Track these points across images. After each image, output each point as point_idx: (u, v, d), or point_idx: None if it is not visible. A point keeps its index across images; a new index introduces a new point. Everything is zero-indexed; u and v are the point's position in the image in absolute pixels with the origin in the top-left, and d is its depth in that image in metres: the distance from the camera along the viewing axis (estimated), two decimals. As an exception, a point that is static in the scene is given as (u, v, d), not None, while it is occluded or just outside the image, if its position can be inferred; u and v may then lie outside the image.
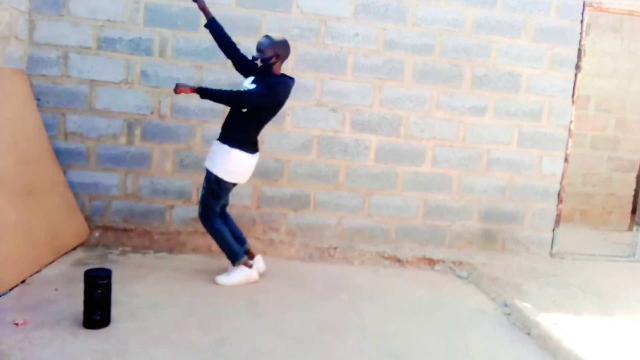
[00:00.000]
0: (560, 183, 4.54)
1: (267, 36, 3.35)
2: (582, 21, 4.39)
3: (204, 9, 3.38)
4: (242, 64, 3.48)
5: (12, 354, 2.25)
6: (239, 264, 3.43)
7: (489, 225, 4.49)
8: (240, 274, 3.42)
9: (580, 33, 4.41)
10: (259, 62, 3.32)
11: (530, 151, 4.49)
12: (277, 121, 4.11)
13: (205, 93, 3.20)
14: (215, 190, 3.34)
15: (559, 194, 4.54)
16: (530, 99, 4.44)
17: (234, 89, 3.41)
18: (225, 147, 3.30)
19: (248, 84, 3.36)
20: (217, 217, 3.43)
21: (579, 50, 4.43)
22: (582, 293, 3.60)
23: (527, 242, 4.54)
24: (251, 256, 3.57)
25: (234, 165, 3.32)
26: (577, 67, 4.45)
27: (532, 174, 4.51)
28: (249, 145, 3.37)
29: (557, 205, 4.55)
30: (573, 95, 4.48)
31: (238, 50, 3.47)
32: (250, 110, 3.31)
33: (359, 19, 4.20)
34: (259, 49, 3.31)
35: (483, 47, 4.34)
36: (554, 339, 2.79)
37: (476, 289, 3.76)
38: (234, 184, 3.43)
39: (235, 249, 3.43)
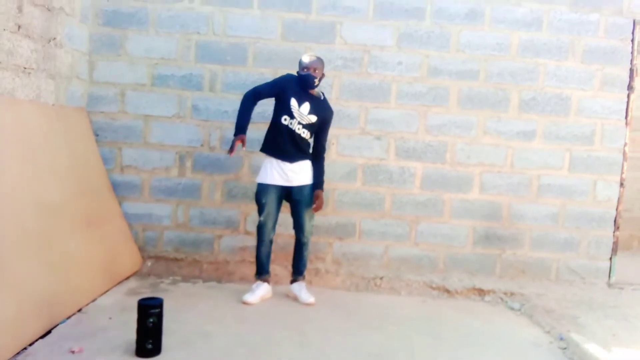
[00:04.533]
0: (616, 209, 4.35)
1: (316, 56, 3.56)
2: (632, 40, 4.26)
3: (243, 140, 3.44)
4: (266, 95, 3.60)
5: (69, 382, 2.34)
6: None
7: (541, 253, 4.35)
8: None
9: (632, 52, 4.27)
10: (317, 82, 3.49)
11: (583, 176, 4.34)
12: (322, 151, 4.21)
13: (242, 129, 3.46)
14: None
15: (615, 220, 4.35)
16: (581, 121, 4.32)
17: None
18: (308, 162, 3.61)
19: (306, 112, 3.51)
20: None
21: (631, 70, 4.29)
22: (644, 326, 3.41)
23: (583, 271, 4.35)
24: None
25: None
26: (630, 87, 4.31)
27: (586, 200, 4.35)
28: None
29: (614, 232, 4.36)
30: (627, 117, 4.33)
31: (255, 98, 3.57)
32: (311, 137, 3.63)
33: (401, 48, 4.24)
34: (314, 68, 3.46)
35: (530, 70, 4.27)
36: (615, 375, 2.65)
37: (529, 320, 3.62)
38: None
39: None
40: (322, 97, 3.62)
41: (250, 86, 4.15)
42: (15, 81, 3.14)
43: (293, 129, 3.50)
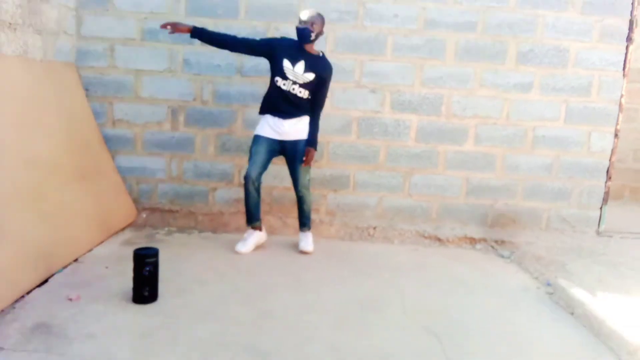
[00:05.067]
0: (610, 159, 4.37)
1: (316, 12, 3.46)
2: (633, -10, 4.18)
3: (180, 30, 3.43)
4: (254, 47, 3.55)
5: (67, 327, 2.39)
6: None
7: (533, 203, 4.39)
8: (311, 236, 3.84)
9: (632, 3, 4.19)
10: (313, 36, 3.42)
11: (579, 127, 4.34)
12: (315, 103, 4.17)
13: (199, 34, 3.45)
14: None
15: (607, 171, 4.38)
16: (579, 73, 4.28)
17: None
18: (305, 118, 3.60)
19: (301, 71, 3.46)
20: None
21: (631, 21, 4.22)
22: (631, 272, 3.47)
23: (574, 220, 4.41)
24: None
25: None
26: (629, 39, 4.25)
27: (580, 151, 4.36)
28: None
29: (606, 182, 4.39)
30: (624, 69, 4.29)
31: (239, 40, 3.52)
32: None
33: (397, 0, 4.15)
34: (311, 23, 3.39)
35: (528, 22, 4.20)
36: (598, 319, 2.72)
37: (518, 267, 3.70)
38: None
39: None
40: (320, 55, 3.57)
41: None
42: (1, 37, 3.09)
43: (287, 89, 3.48)
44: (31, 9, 3.41)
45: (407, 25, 4.19)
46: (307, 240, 3.76)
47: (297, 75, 3.47)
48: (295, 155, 3.59)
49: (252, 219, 3.69)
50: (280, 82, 3.48)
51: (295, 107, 3.53)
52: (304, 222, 3.78)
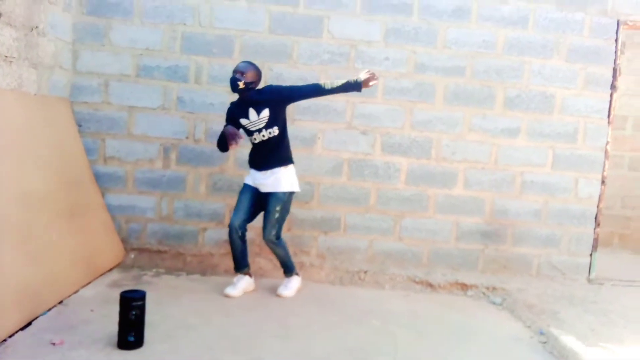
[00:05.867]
0: (597, 206, 4.42)
1: (248, 62, 3.56)
2: (616, 40, 4.32)
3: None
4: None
5: (50, 374, 2.32)
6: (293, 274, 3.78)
7: (523, 249, 4.40)
8: (296, 282, 3.77)
9: (615, 52, 4.33)
10: (242, 85, 3.44)
11: (566, 173, 4.40)
12: (307, 144, 4.21)
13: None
14: (289, 207, 3.64)
15: (596, 217, 4.42)
16: (565, 120, 4.37)
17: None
18: (283, 168, 3.57)
19: (256, 117, 3.49)
20: None
21: (614, 69, 4.35)
22: (623, 321, 3.47)
23: (564, 267, 4.41)
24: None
25: (294, 176, 3.65)
26: (613, 86, 4.37)
27: (568, 197, 4.41)
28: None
29: (595, 229, 4.43)
30: (609, 116, 4.39)
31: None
32: (284, 129, 3.59)
33: (389, 43, 4.24)
34: (240, 72, 3.45)
35: (515, 68, 4.31)
36: (593, 369, 2.70)
37: (511, 315, 3.67)
38: None
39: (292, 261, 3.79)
40: (258, 88, 3.58)
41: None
42: (-4, 69, 3.08)
43: (259, 140, 3.54)
44: (28, 43, 3.42)
45: (398, 68, 4.27)
46: (286, 285, 3.72)
47: (254, 124, 3.51)
48: (267, 208, 3.57)
49: (240, 266, 3.67)
50: (251, 138, 3.57)
51: (270, 155, 3.54)
52: (284, 268, 3.77)
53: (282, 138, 3.57)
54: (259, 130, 3.51)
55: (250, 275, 3.72)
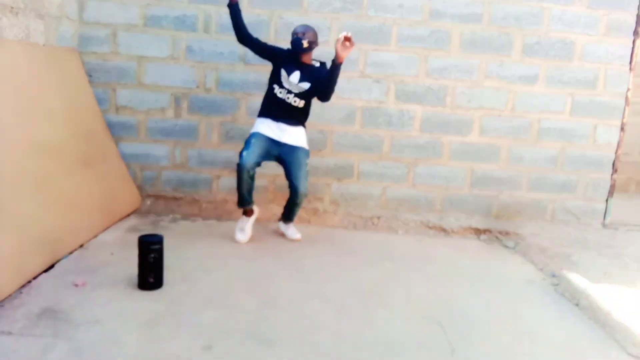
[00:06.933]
0: (616, 152, 4.36)
1: (309, 25, 3.53)
2: (640, -16, 4.15)
3: None
4: (262, 47, 3.55)
5: (73, 313, 2.38)
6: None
7: (538, 195, 4.38)
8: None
9: (639, -2, 4.17)
10: (305, 44, 3.42)
11: (584, 120, 4.32)
12: (320, 92, 4.14)
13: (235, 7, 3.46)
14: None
15: (613, 164, 4.37)
16: (585, 66, 4.26)
17: None
18: (301, 127, 3.61)
19: (296, 81, 3.46)
20: None
21: (638, 15, 4.21)
22: (636, 264, 3.48)
23: (579, 212, 4.40)
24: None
25: None
26: (636, 32, 4.23)
27: (586, 144, 4.35)
28: None
29: (612, 175, 4.39)
30: (631, 62, 4.27)
31: (252, 37, 3.52)
32: (309, 105, 3.60)
33: (403, -11, 4.11)
34: (302, 33, 3.43)
35: (534, 14, 4.18)
36: (604, 310, 2.71)
37: (523, 259, 3.69)
38: None
39: None
40: (318, 65, 3.56)
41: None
42: (3, 21, 3.06)
43: (282, 97, 3.49)
44: (33, -7, 3.38)
45: (412, 15, 4.16)
46: (293, 229, 3.77)
47: (292, 84, 3.47)
48: (294, 161, 3.53)
49: (245, 202, 3.59)
50: (277, 89, 3.51)
51: (290, 115, 3.53)
52: (291, 218, 3.77)
53: (306, 108, 3.58)
54: (289, 92, 3.48)
55: (253, 211, 3.68)
